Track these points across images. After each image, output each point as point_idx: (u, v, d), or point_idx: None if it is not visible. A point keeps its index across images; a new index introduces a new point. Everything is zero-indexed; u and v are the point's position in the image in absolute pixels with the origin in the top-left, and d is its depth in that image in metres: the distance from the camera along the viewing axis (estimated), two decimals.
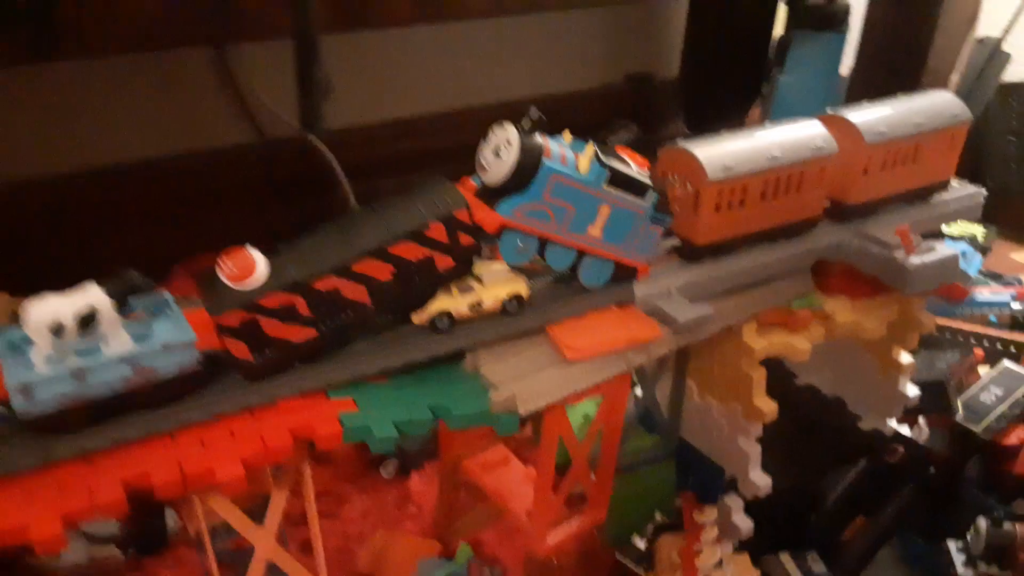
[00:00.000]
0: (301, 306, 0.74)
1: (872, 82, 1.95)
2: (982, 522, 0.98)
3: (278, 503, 0.80)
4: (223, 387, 0.74)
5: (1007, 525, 0.96)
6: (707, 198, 0.90)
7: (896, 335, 1.10)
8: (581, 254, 0.86)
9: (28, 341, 0.67)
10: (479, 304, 0.83)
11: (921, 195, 1.08)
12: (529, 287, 0.86)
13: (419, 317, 0.81)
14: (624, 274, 0.90)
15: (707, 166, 0.89)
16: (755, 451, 1.05)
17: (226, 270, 0.72)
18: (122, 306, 0.69)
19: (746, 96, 2.29)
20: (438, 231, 0.78)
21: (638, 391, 1.18)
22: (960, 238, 1.77)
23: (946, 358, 1.23)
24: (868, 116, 1.00)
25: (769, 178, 0.93)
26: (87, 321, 0.66)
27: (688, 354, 1.09)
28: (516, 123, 0.80)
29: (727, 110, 2.30)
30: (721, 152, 0.91)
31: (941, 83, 2.18)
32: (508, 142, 0.79)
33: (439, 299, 0.82)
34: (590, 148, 0.83)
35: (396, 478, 1.28)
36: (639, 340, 0.87)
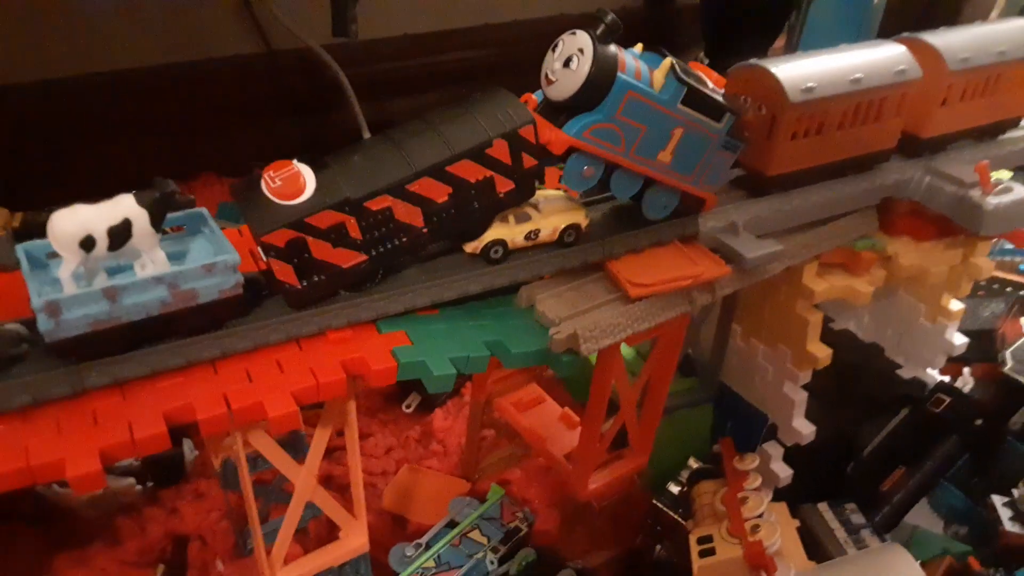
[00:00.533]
0: (352, 227, 0.67)
1: (909, 11, 1.85)
2: None
3: (321, 441, 0.75)
4: (267, 314, 0.68)
5: None
6: (785, 123, 0.83)
7: (950, 281, 1.06)
8: (647, 182, 0.80)
9: (54, 256, 0.61)
10: (536, 233, 0.77)
11: (992, 132, 1.02)
12: (588, 216, 0.80)
13: (472, 245, 0.75)
14: (691, 206, 0.83)
15: (788, 87, 0.81)
16: (801, 398, 1.02)
17: (271, 185, 0.65)
18: (158, 221, 0.62)
19: (772, 24, 2.20)
20: (501, 150, 0.71)
21: None
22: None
23: (991, 307, 1.19)
24: (951, 40, 0.93)
25: (851, 103, 0.86)
26: (121, 235, 0.60)
27: (737, 296, 1.04)
28: (587, 30, 0.71)
29: (751, 38, 2.21)
30: (802, 72, 0.83)
31: (983, 13, 2.10)
32: (581, 51, 0.71)
33: (494, 226, 0.75)
34: (667, 62, 0.75)
35: (418, 414, 1.24)
36: (705, 278, 0.81)
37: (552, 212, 0.78)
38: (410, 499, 1.09)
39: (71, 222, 0.59)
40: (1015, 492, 0.98)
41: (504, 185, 0.73)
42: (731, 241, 0.84)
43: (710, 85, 0.79)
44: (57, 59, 1.39)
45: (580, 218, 0.79)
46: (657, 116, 0.75)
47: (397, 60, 1.84)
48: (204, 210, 0.69)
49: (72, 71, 1.41)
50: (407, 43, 1.85)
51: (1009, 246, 1.60)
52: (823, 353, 0.95)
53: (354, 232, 0.68)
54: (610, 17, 0.71)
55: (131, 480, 1.02)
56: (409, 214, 0.70)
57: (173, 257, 0.64)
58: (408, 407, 1.24)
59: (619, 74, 0.71)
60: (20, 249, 0.62)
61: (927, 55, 0.91)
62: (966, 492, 1.08)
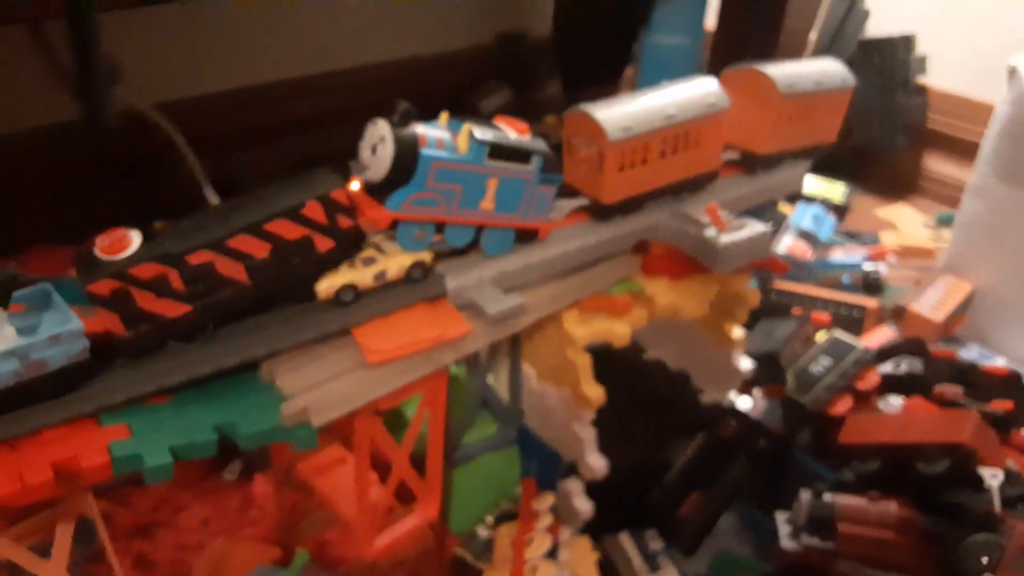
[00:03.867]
0: (174, 279, 0.73)
1: (734, 40, 1.95)
2: (804, 494, 1.00)
3: (64, 537, 0.75)
4: None
5: (827, 496, 0.98)
6: (610, 158, 0.92)
7: (725, 310, 1.11)
8: (480, 227, 0.88)
9: None
10: (383, 274, 0.84)
11: (810, 154, 1.15)
12: (432, 252, 0.87)
13: (325, 292, 0.81)
14: (527, 237, 0.93)
15: (608, 128, 0.91)
16: (589, 435, 1.05)
17: (100, 244, 0.72)
18: (4, 300, 0.68)
19: (620, 56, 2.28)
20: (315, 211, 0.78)
21: (491, 377, 1.16)
22: (813, 199, 1.80)
23: (782, 327, 1.25)
24: (781, 71, 1.06)
25: (667, 135, 0.96)
26: None
27: (519, 341, 1.08)
28: (387, 117, 0.81)
29: (602, 70, 2.29)
30: (621, 113, 0.93)
31: (800, 40, 2.21)
32: (382, 138, 0.80)
33: (343, 272, 0.82)
34: (465, 128, 0.83)
35: (240, 480, 1.23)
36: (447, 337, 0.85)
37: (396, 252, 0.85)
38: (221, 573, 1.09)
39: None
40: (792, 509, 1.02)
41: (324, 244, 0.81)
42: (476, 297, 0.88)
43: (512, 134, 0.88)
44: None
45: (426, 256, 0.86)
46: (468, 174, 0.84)
47: (238, 112, 1.84)
48: (48, 285, 0.73)
49: None
50: (248, 95, 1.86)
51: (835, 260, 1.69)
52: (595, 393, 0.98)
53: (176, 283, 0.73)
54: (403, 105, 0.81)
55: None
56: (231, 268, 0.76)
57: (22, 331, 0.69)
58: (230, 475, 1.24)
59: (421, 150, 0.80)
60: None
61: (761, 82, 1.04)
62: (765, 510, 1.12)
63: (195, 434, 0.73)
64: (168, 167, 1.65)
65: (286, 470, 1.07)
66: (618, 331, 0.97)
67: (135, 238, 0.73)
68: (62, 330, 0.68)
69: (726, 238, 0.92)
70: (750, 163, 1.10)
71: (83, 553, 0.87)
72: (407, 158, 0.80)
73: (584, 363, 0.99)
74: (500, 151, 0.85)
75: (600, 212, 0.98)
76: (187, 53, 1.74)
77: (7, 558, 0.75)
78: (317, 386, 0.79)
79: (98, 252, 0.72)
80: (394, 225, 0.83)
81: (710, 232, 0.93)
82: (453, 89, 2.20)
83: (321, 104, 1.95)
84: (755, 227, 0.94)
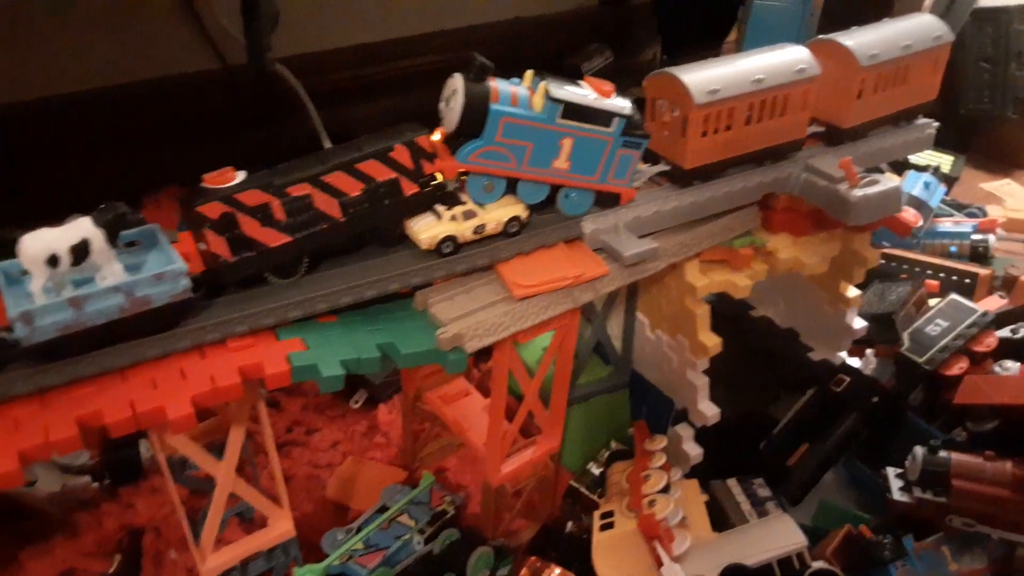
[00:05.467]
0: (277, 209, 0.78)
1: (845, 7, 1.91)
2: (918, 450, 1.02)
3: (236, 438, 0.83)
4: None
5: (942, 453, 1.00)
6: (694, 122, 0.92)
7: (842, 270, 1.13)
8: (557, 186, 0.89)
9: (24, 272, 0.71)
10: (482, 227, 0.87)
11: (906, 117, 1.11)
12: (528, 208, 0.89)
13: (427, 242, 0.85)
14: (607, 200, 0.93)
15: (693, 90, 0.90)
16: (703, 383, 1.09)
17: (207, 178, 0.77)
18: (113, 238, 0.72)
19: (723, 21, 2.26)
20: (402, 154, 0.82)
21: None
22: (924, 168, 1.78)
23: (897, 290, 1.26)
24: (860, 39, 1.02)
25: (754, 101, 0.94)
26: (80, 252, 0.70)
27: (637, 290, 1.12)
28: (465, 71, 0.83)
29: (704, 35, 2.27)
30: (708, 76, 0.92)
31: (915, 8, 2.15)
32: (455, 91, 0.82)
33: (444, 223, 0.86)
34: (541, 86, 0.85)
35: (365, 409, 1.32)
36: (587, 277, 0.89)
37: (495, 208, 0.88)
38: (352, 489, 1.18)
39: (37, 244, 0.69)
40: (906, 463, 1.04)
41: (410, 188, 0.84)
42: (612, 240, 0.92)
43: (592, 95, 0.88)
44: (7, 84, 1.48)
45: (521, 211, 0.89)
46: (540, 132, 0.86)
47: (354, 69, 1.92)
48: (156, 226, 0.79)
49: (29, 95, 1.50)
50: (363, 52, 1.93)
51: (943, 229, 1.67)
52: (712, 343, 1.02)
53: (279, 214, 0.79)
54: (479, 60, 0.83)
55: (87, 478, 1.11)
56: (327, 204, 0.81)
57: (129, 268, 0.75)
58: (355, 403, 1.32)
59: (491, 105, 0.83)
60: None
61: (841, 54, 1.00)
62: (870, 466, 1.15)
63: (361, 351, 0.80)
64: (290, 119, 1.74)
65: (414, 399, 1.15)
66: (739, 283, 1.00)
67: (240, 174, 0.78)
68: (166, 269, 0.73)
69: (859, 192, 0.94)
70: (835, 137, 1.05)
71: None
72: (476, 111, 0.82)
73: (703, 312, 1.03)
74: (575, 111, 0.85)
75: (680, 178, 0.97)
76: (309, 10, 1.81)
77: (185, 455, 0.83)
78: (467, 315, 0.84)
79: (205, 184, 0.77)
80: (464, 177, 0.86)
81: (843, 185, 0.95)
82: (554, 51, 2.23)
83: (427, 63, 2.01)
84: (887, 182, 0.96)
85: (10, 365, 0.70)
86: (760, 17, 1.98)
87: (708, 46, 2.30)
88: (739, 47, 2.12)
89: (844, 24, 1.08)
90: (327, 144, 1.71)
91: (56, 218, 1.55)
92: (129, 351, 0.73)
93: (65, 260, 0.69)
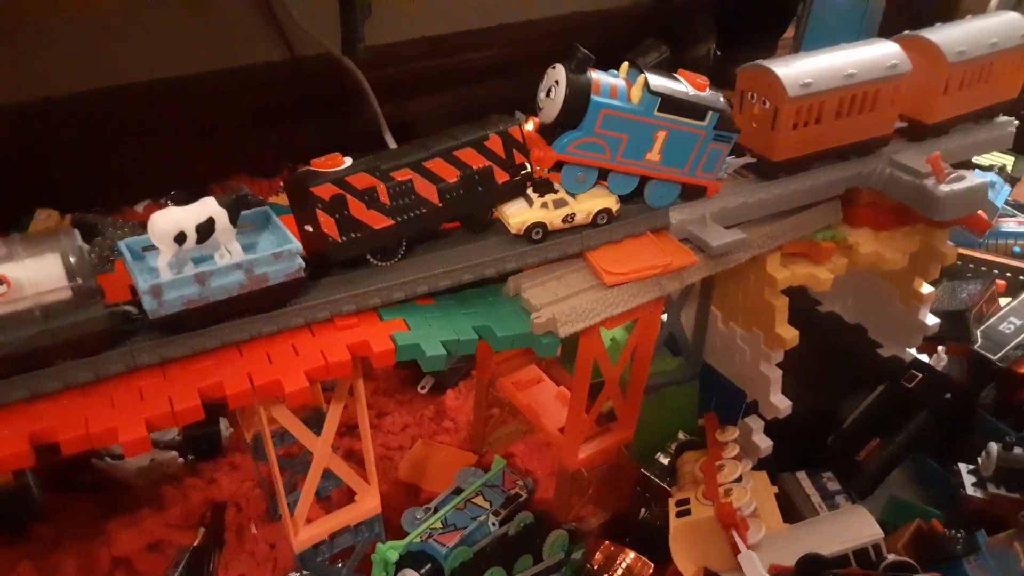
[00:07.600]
0: (382, 192, 0.81)
1: (907, 4, 1.90)
2: (993, 446, 1.02)
3: (335, 414, 0.86)
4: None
5: (1018, 449, 1.01)
6: (785, 115, 0.93)
7: (918, 266, 1.13)
8: (644, 178, 0.91)
9: (147, 249, 0.76)
10: (572, 216, 0.89)
11: (988, 114, 1.11)
12: (619, 201, 0.91)
13: (517, 227, 0.87)
14: (693, 193, 0.94)
15: (787, 83, 0.91)
16: (776, 375, 1.10)
17: (316, 162, 0.80)
18: (235, 218, 0.76)
19: (780, 17, 2.25)
20: (496, 144, 0.85)
21: (665, 316, 1.22)
22: (989, 168, 1.77)
23: (968, 288, 1.26)
24: (949, 36, 1.02)
25: (845, 95, 0.95)
26: (206, 231, 0.74)
27: (713, 282, 1.13)
28: (565, 62, 0.84)
29: (761, 30, 2.27)
30: (800, 70, 0.93)
31: (981, 8, 2.13)
32: (557, 82, 0.84)
33: (535, 210, 0.88)
34: (640, 78, 0.86)
35: (432, 395, 1.35)
36: (675, 266, 0.91)
37: (586, 198, 0.90)
38: (423, 470, 1.20)
39: (167, 221, 0.73)
40: (979, 460, 1.05)
41: (502, 176, 0.87)
42: (699, 231, 0.94)
43: (690, 89, 0.89)
44: (91, 73, 1.52)
45: (612, 203, 0.91)
46: (636, 125, 0.87)
47: (415, 62, 1.94)
48: (269, 208, 0.82)
49: (110, 82, 1.54)
50: (424, 45, 1.95)
51: (1005, 229, 1.66)
52: (790, 335, 1.03)
53: (383, 197, 0.81)
54: (581, 52, 0.84)
55: (174, 453, 1.15)
56: (426, 189, 0.84)
57: (248, 247, 0.78)
58: (423, 388, 1.35)
59: (592, 96, 0.84)
60: (122, 244, 0.77)
61: (928, 50, 1.01)
62: (939, 462, 1.16)
63: (460, 332, 0.82)
64: (353, 110, 1.76)
65: (488, 385, 1.17)
66: (820, 276, 1.01)
67: (347, 160, 0.81)
68: (284, 248, 0.76)
69: (945, 187, 0.95)
70: (919, 132, 1.06)
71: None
72: (578, 102, 0.84)
73: (782, 305, 1.04)
74: (672, 104, 0.87)
75: (767, 170, 0.98)
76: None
77: (284, 427, 0.86)
78: (560, 301, 0.86)
79: (315, 168, 0.79)
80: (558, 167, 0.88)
81: (930, 180, 0.96)
82: (610, 46, 2.23)
83: (484, 58, 2.03)
84: (973, 179, 0.96)
85: (134, 337, 0.74)
86: (821, 14, 1.98)
87: (765, 43, 2.30)
88: (796, 44, 2.13)
89: (907, 22, 1.09)
90: (388, 136, 1.73)
91: (130, 203, 1.59)
92: (247, 327, 0.76)
93: (191, 237, 0.72)
